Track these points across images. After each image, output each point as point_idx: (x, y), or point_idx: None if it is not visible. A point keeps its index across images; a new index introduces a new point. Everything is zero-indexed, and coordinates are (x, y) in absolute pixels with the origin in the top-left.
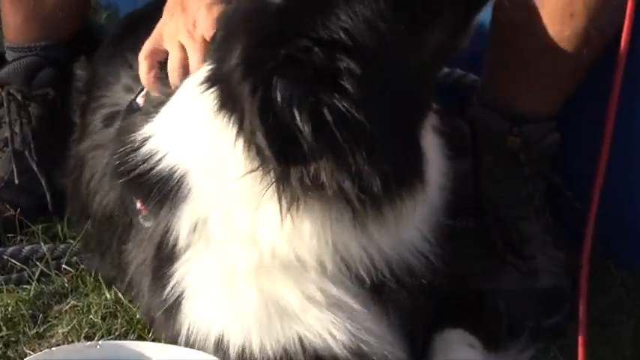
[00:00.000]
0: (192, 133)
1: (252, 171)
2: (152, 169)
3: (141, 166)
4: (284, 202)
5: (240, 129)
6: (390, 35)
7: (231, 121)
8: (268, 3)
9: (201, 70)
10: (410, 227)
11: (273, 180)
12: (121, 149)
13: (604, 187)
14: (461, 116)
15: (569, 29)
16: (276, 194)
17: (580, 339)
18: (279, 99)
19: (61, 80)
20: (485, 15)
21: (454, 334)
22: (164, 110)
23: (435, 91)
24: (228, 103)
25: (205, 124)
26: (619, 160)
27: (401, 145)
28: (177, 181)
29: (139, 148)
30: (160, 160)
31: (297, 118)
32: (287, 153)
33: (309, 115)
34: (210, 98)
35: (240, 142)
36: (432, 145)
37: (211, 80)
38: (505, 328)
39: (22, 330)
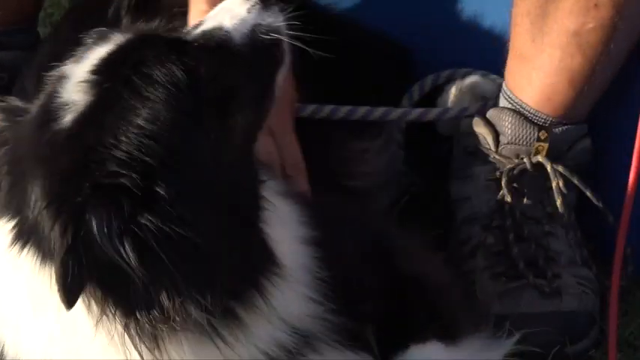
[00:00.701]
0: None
1: (96, 324)
2: None
3: None
4: (143, 347)
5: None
6: (196, 134)
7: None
8: (54, 131)
9: (3, 231)
10: (285, 309)
11: (122, 328)
12: None
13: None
14: (481, 119)
15: (594, 21)
16: (132, 342)
17: None
18: (96, 235)
19: (18, 65)
20: (504, 9)
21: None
22: None
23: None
24: (48, 255)
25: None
26: None
27: (240, 244)
28: None
29: None
30: None
31: (122, 251)
32: (117, 292)
33: (133, 246)
34: (28, 258)
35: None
36: (282, 219)
37: (21, 236)
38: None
39: None
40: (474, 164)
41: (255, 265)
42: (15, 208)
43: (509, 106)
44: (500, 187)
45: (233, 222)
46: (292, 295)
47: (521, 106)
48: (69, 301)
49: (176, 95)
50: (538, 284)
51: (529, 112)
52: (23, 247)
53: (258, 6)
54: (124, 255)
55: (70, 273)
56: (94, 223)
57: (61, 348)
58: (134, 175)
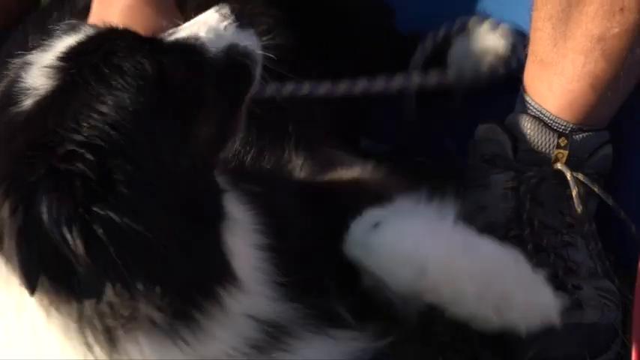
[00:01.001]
0: None
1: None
2: None
3: None
4: (99, 346)
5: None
6: (159, 132)
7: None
8: (13, 114)
9: None
10: (247, 309)
11: (74, 322)
12: None
13: None
14: (499, 125)
15: (619, 25)
16: (86, 340)
17: None
18: (45, 217)
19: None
20: (523, 13)
21: None
22: None
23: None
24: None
25: None
26: None
27: (195, 248)
28: None
29: None
30: None
31: (68, 238)
32: (63, 281)
33: (80, 234)
34: None
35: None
36: (239, 228)
37: None
38: None
39: None
40: (490, 172)
41: (212, 273)
42: None
43: (528, 111)
44: (518, 196)
45: (189, 225)
46: (253, 298)
47: (540, 112)
48: (30, 284)
49: (143, 89)
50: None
51: (549, 118)
52: None
53: (234, 25)
54: (70, 241)
55: (25, 254)
56: (43, 206)
57: (20, 348)
58: (91, 160)
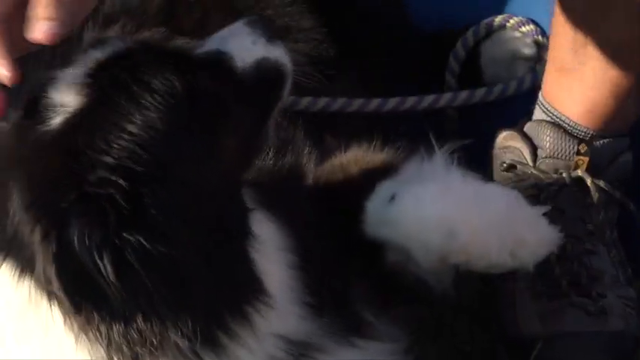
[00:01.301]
0: None
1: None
2: None
3: None
4: None
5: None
6: (187, 150)
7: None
8: (39, 133)
9: None
10: (275, 328)
11: (103, 348)
12: None
13: None
14: (518, 133)
15: None
16: None
17: None
18: (76, 243)
19: None
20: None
21: None
22: None
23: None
24: (27, 266)
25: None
26: None
27: (226, 270)
28: None
29: None
30: None
31: (99, 264)
32: (93, 306)
33: (111, 260)
34: (8, 268)
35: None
36: (268, 247)
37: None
38: None
39: None
40: (510, 180)
41: (242, 293)
42: None
43: (548, 118)
44: (538, 204)
45: (219, 246)
46: (282, 317)
47: (560, 118)
48: (75, 305)
49: (172, 106)
50: (582, 303)
51: (569, 124)
52: (3, 259)
53: (264, 39)
54: (102, 268)
55: (65, 279)
56: (74, 231)
57: None
58: (122, 184)
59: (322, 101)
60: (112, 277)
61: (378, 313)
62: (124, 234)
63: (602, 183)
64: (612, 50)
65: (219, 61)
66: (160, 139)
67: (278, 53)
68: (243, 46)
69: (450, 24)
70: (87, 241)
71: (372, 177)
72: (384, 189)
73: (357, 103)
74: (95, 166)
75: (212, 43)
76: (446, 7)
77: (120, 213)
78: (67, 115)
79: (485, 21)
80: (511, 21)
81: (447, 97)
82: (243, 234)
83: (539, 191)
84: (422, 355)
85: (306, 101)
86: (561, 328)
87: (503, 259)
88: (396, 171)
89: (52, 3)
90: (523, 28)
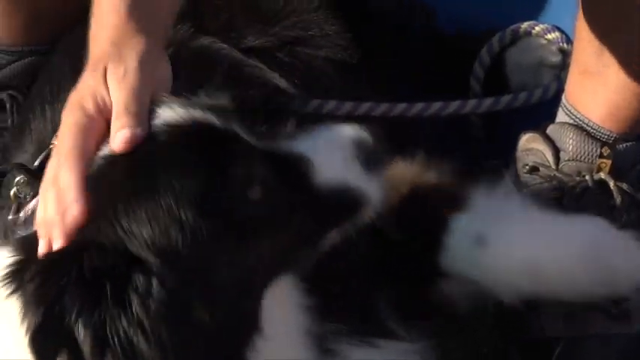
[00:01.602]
0: None
1: None
2: None
3: None
4: None
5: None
6: (194, 245)
7: None
8: None
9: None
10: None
11: None
12: None
13: None
14: (540, 135)
15: None
16: None
17: None
18: (67, 312)
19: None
20: (568, 17)
21: None
22: None
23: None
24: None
25: None
26: None
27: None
28: None
29: None
30: None
31: (80, 336)
32: None
33: (92, 337)
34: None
35: None
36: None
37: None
38: None
39: None
40: (533, 182)
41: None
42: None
43: (571, 121)
44: (561, 206)
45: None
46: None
47: (583, 121)
48: None
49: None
50: (605, 306)
51: (592, 127)
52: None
53: (359, 161)
54: (80, 342)
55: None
56: (67, 307)
57: None
58: (120, 266)
59: (348, 105)
60: (87, 349)
61: (402, 322)
62: (111, 315)
63: (625, 186)
64: (637, 54)
65: (293, 164)
66: (189, 240)
67: (371, 186)
68: (334, 159)
69: (475, 29)
70: (76, 313)
71: (435, 203)
72: (465, 226)
73: (382, 108)
74: (105, 249)
75: (303, 142)
76: (470, 12)
77: (115, 296)
78: None
79: (511, 27)
80: (537, 28)
81: (471, 103)
82: (249, 329)
83: (562, 194)
84: (442, 355)
85: (331, 105)
86: (585, 330)
87: (594, 290)
88: (465, 202)
89: None
90: (549, 36)
